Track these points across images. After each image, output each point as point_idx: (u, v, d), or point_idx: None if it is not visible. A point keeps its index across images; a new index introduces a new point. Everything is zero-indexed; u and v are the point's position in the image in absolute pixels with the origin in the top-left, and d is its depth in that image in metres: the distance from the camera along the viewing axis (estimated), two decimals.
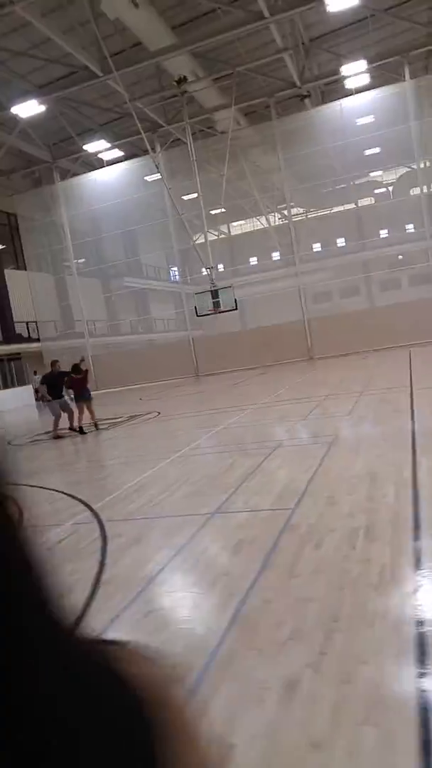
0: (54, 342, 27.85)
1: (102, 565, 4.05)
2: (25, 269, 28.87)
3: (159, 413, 13.29)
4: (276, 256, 36.57)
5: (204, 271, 33.41)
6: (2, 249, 28.84)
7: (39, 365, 27.93)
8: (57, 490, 6.74)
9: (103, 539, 4.62)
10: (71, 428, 11.69)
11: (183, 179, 24.80)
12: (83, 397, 11.66)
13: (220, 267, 33.41)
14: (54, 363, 11.93)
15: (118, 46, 20.09)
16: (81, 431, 11.59)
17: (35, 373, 27.39)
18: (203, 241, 24.75)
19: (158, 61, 20.24)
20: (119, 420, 13.10)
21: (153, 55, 19.81)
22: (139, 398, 18.61)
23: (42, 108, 20.88)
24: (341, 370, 16.06)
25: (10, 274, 28.31)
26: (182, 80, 21.15)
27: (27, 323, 28.34)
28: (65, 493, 6.50)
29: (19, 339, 27.52)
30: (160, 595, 3.44)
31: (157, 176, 26.75)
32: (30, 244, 28.29)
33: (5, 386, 26.50)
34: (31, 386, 27.11)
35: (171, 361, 25.63)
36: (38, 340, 27.90)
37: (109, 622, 3.09)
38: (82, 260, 29.22)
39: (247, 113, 27.05)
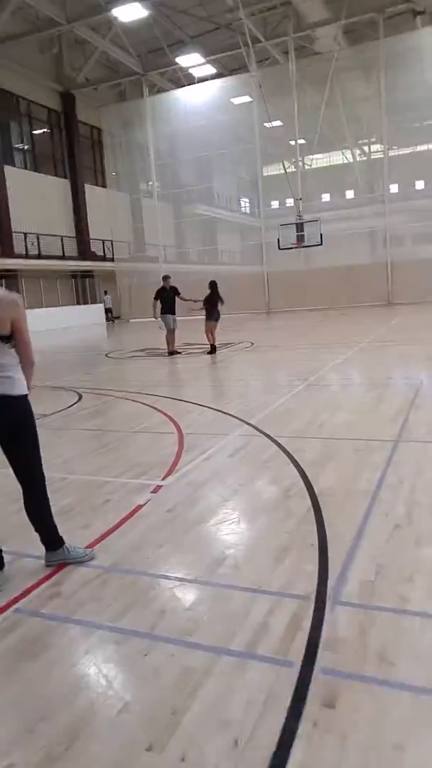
0: (127, 263, 27.72)
1: (304, 476, 4.05)
2: (105, 186, 28.39)
3: (253, 343, 13.15)
4: (350, 194, 34.88)
5: (273, 204, 32.37)
6: (86, 163, 28.24)
7: (111, 285, 27.99)
8: (198, 404, 6.78)
9: (285, 453, 4.61)
10: (171, 352, 11.68)
11: (277, 101, 23.44)
12: (213, 317, 11.39)
13: (289, 201, 32.11)
14: (165, 278, 11.82)
15: None
16: (210, 351, 11.43)
17: (106, 293, 27.47)
18: (286, 171, 23.62)
19: None
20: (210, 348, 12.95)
21: None
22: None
23: (144, 13, 19.80)
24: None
25: (90, 190, 27.90)
26: None
27: (103, 241, 28.14)
28: (208, 407, 6.53)
29: (94, 257, 27.41)
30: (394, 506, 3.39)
31: (245, 99, 25.46)
32: (111, 161, 27.72)
33: (77, 302, 26.70)
34: (102, 305, 27.24)
35: (241, 294, 25.15)
36: (112, 259, 27.76)
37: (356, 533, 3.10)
38: (158, 183, 28.50)
39: (347, 32, 25.06)
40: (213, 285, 11.37)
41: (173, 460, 4.66)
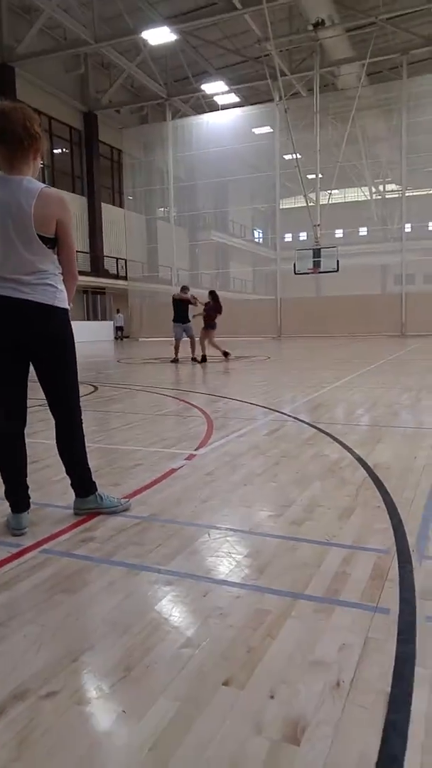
0: (139, 283, 27.75)
1: (353, 453, 3.71)
2: (122, 206, 28.66)
3: (269, 357, 12.96)
4: (363, 231, 35.27)
5: (286, 237, 32.73)
6: (104, 183, 28.57)
7: (122, 303, 27.95)
8: (222, 396, 6.51)
9: (327, 435, 4.29)
10: (193, 358, 11.52)
11: (297, 134, 23.77)
12: (210, 326, 11.33)
13: (302, 235, 32.40)
14: (183, 289, 11.71)
15: None
16: (200, 360, 11.37)
17: (118, 311, 27.39)
18: (307, 201, 23.76)
19: None
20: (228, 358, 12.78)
21: None
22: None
23: (173, 37, 20.23)
24: None
25: (106, 208, 28.16)
26: (320, 24, 20.09)
27: (117, 260, 28.24)
28: (233, 399, 6.26)
29: (107, 274, 27.45)
30: None
31: (266, 129, 25.88)
32: (129, 182, 28.00)
33: (86, 318, 26.61)
34: (111, 323, 27.13)
35: (253, 319, 25.08)
36: (125, 278, 27.80)
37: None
38: (174, 207, 28.76)
39: (371, 73, 25.67)
40: (213, 294, 11.35)
41: (204, 436, 4.37)
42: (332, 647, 1.57)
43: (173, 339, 11.85)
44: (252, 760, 1.18)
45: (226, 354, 11.32)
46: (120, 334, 26.78)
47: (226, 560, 2.14)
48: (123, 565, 2.12)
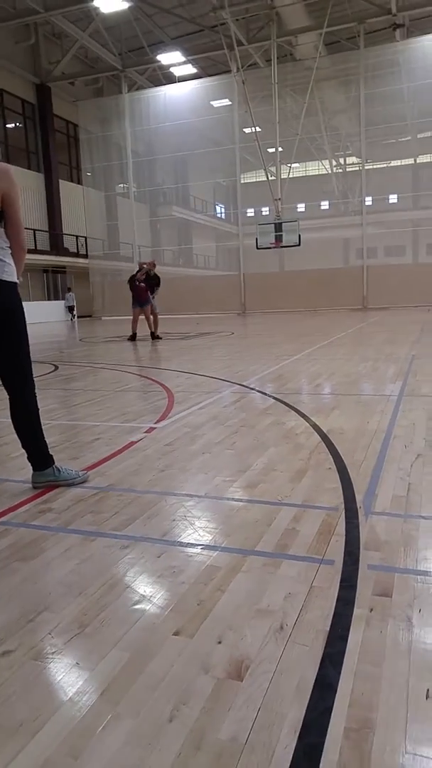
0: (100, 261, 27.31)
1: (308, 420, 3.82)
2: (80, 183, 28.01)
3: (233, 333, 13.00)
4: (325, 204, 35.37)
5: (248, 212, 32.55)
6: (61, 159, 27.82)
7: (83, 282, 27.48)
8: (183, 371, 6.54)
9: (285, 404, 4.38)
10: (154, 334, 11.58)
11: (256, 107, 23.52)
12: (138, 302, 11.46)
13: (264, 210, 32.29)
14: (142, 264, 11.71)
15: None
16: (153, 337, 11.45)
17: (69, 290, 26.82)
18: (267, 175, 23.64)
19: None
20: (189, 334, 12.84)
21: None
22: (196, 323, 18.26)
23: (125, 4, 19.67)
24: (407, 316, 15.60)
25: (64, 185, 27.49)
26: None
27: (76, 237, 27.69)
28: (195, 373, 6.29)
29: (67, 253, 26.93)
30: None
31: (225, 102, 25.56)
32: (87, 158, 27.30)
33: (48, 298, 26.13)
34: (63, 303, 26.53)
35: (217, 296, 25.07)
36: (86, 256, 27.32)
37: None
38: (134, 182, 28.25)
39: (329, 43, 25.48)
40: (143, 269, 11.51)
41: (165, 410, 4.41)
42: (278, 596, 1.66)
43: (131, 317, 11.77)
44: (198, 696, 1.26)
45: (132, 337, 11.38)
46: (72, 314, 26.13)
47: (181, 523, 2.20)
48: (80, 532, 2.16)
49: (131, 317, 11.74)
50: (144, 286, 11.41)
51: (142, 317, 11.69)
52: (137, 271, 11.69)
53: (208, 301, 24.76)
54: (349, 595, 1.65)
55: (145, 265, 11.77)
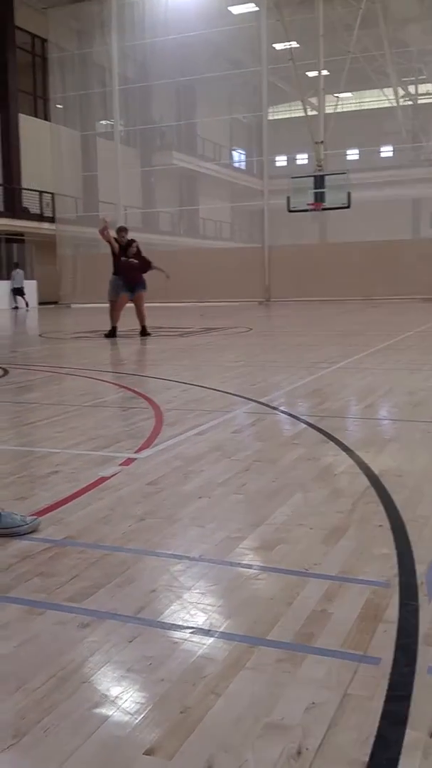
0: (72, 227, 27.52)
1: (353, 455, 3.82)
2: (47, 119, 28.36)
3: (251, 329, 13.13)
4: (387, 151, 35.44)
5: (278, 161, 32.67)
6: (22, 86, 28.17)
7: (47, 256, 27.71)
8: (180, 381, 6.64)
9: (320, 431, 4.40)
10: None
11: (292, 14, 23.71)
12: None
13: (300, 158, 32.43)
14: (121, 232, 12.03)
15: None
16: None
17: (17, 265, 26.86)
18: (303, 112, 23.72)
19: None
20: (189, 330, 12.97)
21: None
22: (200, 314, 18.42)
23: None
24: None
25: (26, 121, 27.82)
26: None
27: (40, 194, 27.99)
28: (195, 384, 6.35)
29: (26, 215, 27.24)
30: None
31: (248, 7, 25.81)
32: (58, 84, 27.72)
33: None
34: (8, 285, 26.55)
35: (229, 275, 25.10)
36: (52, 219, 27.60)
37: None
38: (121, 118, 28.51)
39: None
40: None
41: (150, 434, 4.48)
42: (297, 706, 1.63)
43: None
44: None
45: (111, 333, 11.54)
46: (23, 301, 26.17)
47: (164, 595, 2.19)
48: (22, 602, 2.16)
49: (110, 305, 11.80)
50: (136, 263, 11.47)
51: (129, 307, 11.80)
52: (129, 243, 11.66)
53: (218, 284, 24.88)
54: (399, 710, 1.62)
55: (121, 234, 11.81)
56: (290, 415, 5.00)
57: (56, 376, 7.39)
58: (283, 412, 5.12)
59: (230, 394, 5.89)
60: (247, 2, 25.55)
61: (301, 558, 2.47)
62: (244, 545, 2.60)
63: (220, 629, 1.98)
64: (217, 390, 6.08)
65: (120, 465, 3.73)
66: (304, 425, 4.60)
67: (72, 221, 27.75)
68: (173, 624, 2.01)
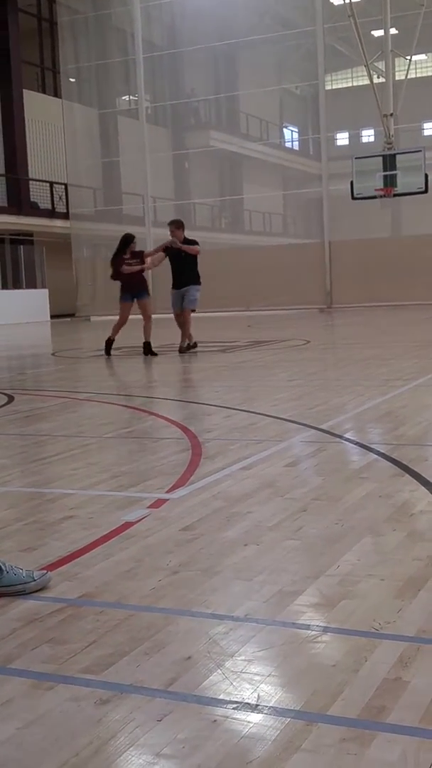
0: (90, 224, 27.85)
1: None
2: (57, 95, 28.81)
3: (308, 341, 13.16)
4: None
5: (338, 139, 32.77)
6: (26, 57, 28.68)
7: (60, 260, 28.07)
8: (222, 406, 6.67)
9: (394, 463, 4.40)
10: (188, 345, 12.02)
11: None
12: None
13: (366, 134, 32.46)
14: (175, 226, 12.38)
15: None
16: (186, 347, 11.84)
17: None
18: (369, 80, 23.79)
19: None
20: (235, 344, 13.05)
21: None
22: (247, 325, 18.54)
23: None
24: None
25: (32, 99, 28.30)
26: None
27: (51, 185, 28.43)
28: (240, 409, 6.39)
29: (35, 210, 27.65)
30: None
31: None
32: (70, 54, 28.17)
33: (4, 286, 26.72)
34: (45, 292, 27.14)
35: (282, 278, 25.15)
36: (66, 216, 27.94)
37: None
38: (147, 93, 28.87)
39: None
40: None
41: (185, 470, 4.50)
42: None
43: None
44: None
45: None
46: None
47: (201, 664, 2.19)
48: (28, 675, 2.18)
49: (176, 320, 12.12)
50: (136, 268, 11.71)
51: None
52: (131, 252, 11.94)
53: (269, 288, 24.97)
54: None
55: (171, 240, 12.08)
56: (357, 443, 5.01)
57: (72, 403, 7.48)
58: (348, 440, 5.13)
59: (283, 419, 5.93)
60: None
61: (371, 616, 2.46)
62: (301, 601, 2.60)
63: (270, 704, 1.97)
64: (268, 415, 6.12)
65: (148, 507, 3.77)
66: (375, 456, 4.62)
67: (90, 217, 28.11)
68: (212, 698, 2.01)
